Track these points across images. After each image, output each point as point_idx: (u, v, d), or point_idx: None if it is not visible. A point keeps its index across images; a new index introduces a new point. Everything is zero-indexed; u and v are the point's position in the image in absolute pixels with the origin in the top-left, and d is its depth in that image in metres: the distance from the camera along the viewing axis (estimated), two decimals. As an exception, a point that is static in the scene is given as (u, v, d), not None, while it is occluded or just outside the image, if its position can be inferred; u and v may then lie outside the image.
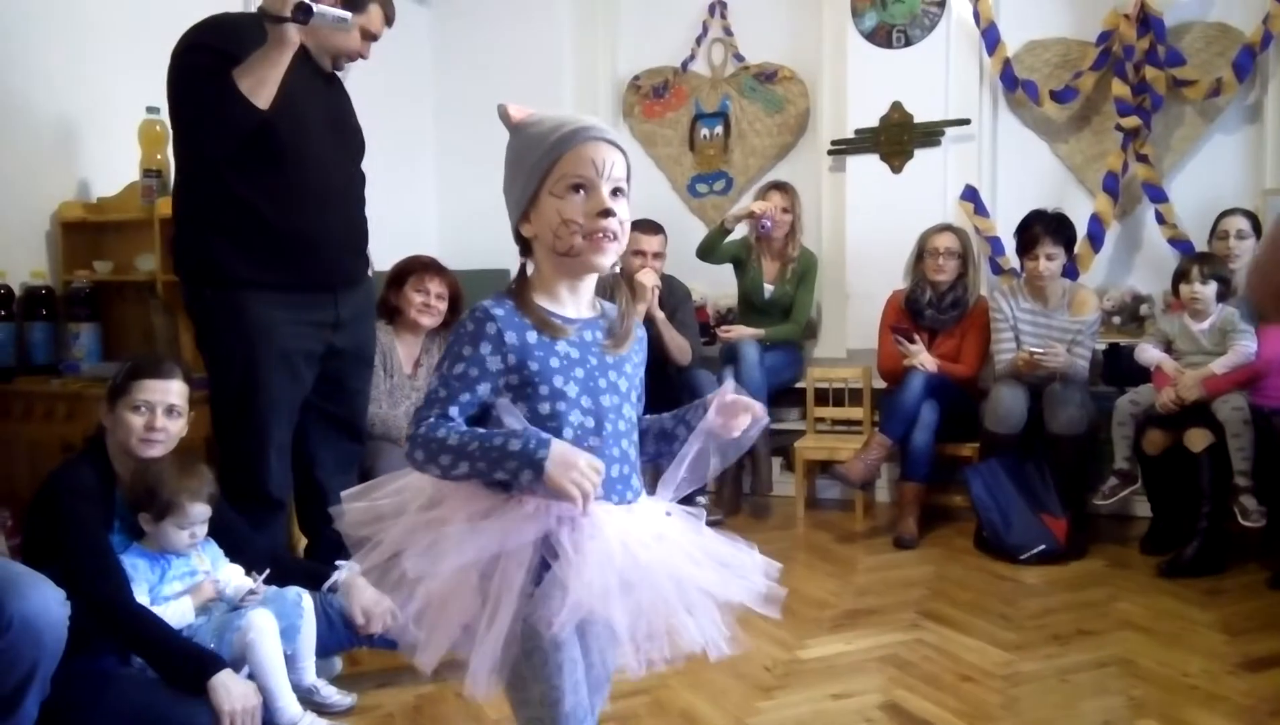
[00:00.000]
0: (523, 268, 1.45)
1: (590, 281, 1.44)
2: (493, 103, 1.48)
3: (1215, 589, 3.18)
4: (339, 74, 2.77)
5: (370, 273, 2.91)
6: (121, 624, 2.10)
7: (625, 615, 1.33)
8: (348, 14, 2.46)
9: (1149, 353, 3.59)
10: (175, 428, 2.26)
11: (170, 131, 3.22)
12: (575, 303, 1.43)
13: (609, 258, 1.38)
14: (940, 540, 3.84)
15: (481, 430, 1.32)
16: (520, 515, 1.32)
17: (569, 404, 1.36)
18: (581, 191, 1.35)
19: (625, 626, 1.33)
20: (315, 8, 2.30)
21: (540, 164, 1.36)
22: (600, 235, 1.35)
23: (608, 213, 1.35)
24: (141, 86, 3.29)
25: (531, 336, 1.36)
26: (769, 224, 4.33)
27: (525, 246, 1.44)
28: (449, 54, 5.14)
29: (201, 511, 2.25)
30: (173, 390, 2.26)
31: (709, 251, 4.45)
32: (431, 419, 1.32)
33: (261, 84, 2.36)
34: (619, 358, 1.43)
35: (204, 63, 2.40)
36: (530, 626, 1.31)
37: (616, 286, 1.49)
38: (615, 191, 1.37)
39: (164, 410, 2.23)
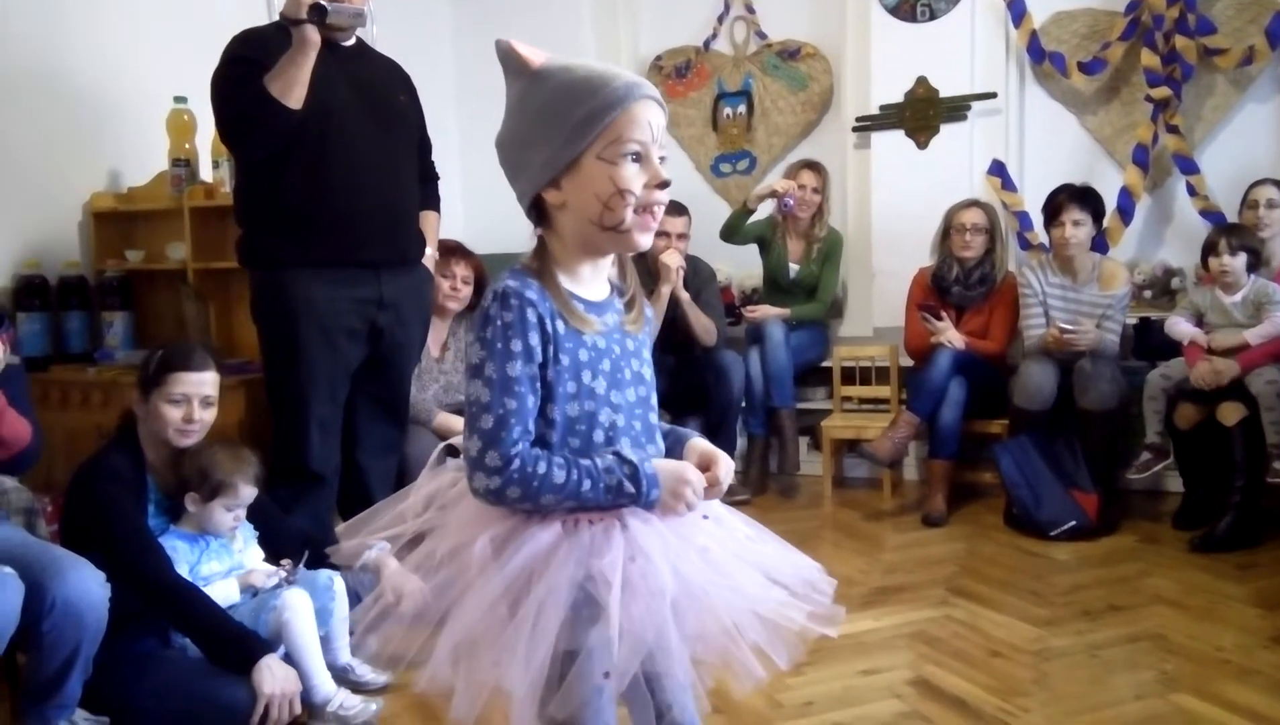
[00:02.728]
0: (542, 242, 1.26)
1: (609, 258, 1.29)
2: None
3: (1249, 563, 3.15)
4: (368, 42, 2.81)
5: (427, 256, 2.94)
6: (171, 602, 2.13)
7: (683, 646, 1.22)
8: (363, 8, 2.60)
9: (1180, 326, 3.55)
10: (209, 417, 2.30)
11: (197, 121, 3.28)
12: (596, 282, 1.28)
13: (649, 237, 1.23)
14: (969, 517, 3.83)
15: (585, 462, 1.19)
16: (550, 539, 1.19)
17: (598, 402, 1.23)
18: (637, 159, 1.19)
19: (685, 663, 1.23)
20: (330, 6, 2.43)
21: (588, 122, 1.17)
22: (652, 210, 1.21)
23: (665, 184, 1.20)
24: (170, 77, 3.34)
25: (560, 325, 1.21)
26: (791, 202, 4.30)
27: (541, 215, 1.25)
28: (470, 37, 5.13)
29: (250, 493, 2.30)
30: (207, 382, 2.30)
31: (732, 232, 4.44)
32: (520, 446, 1.16)
33: (290, 85, 2.49)
34: (638, 343, 1.31)
35: (238, 74, 2.54)
36: (573, 660, 1.18)
37: (620, 260, 1.36)
38: (661, 158, 1.22)
39: (200, 402, 2.27)
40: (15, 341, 2.21)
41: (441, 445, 1.42)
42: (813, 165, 4.42)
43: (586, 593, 1.18)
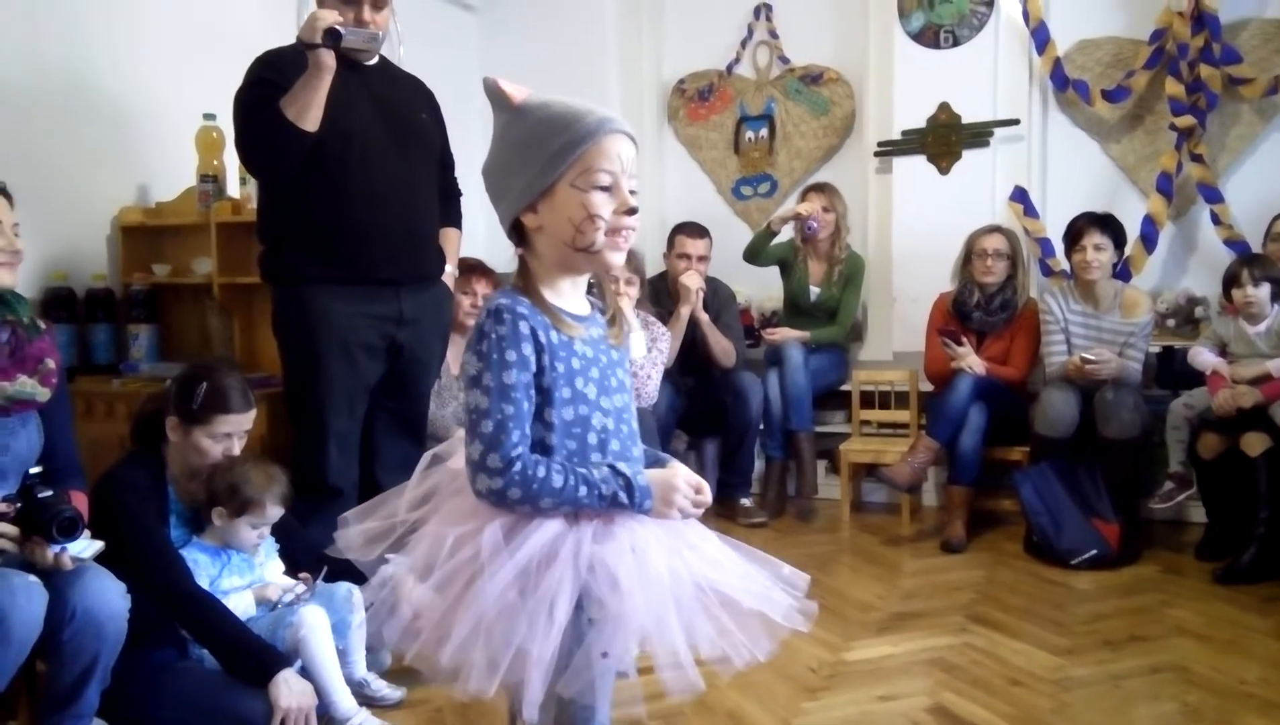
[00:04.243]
0: (524, 261, 1.36)
1: (586, 276, 1.40)
2: None
3: (1273, 596, 3.11)
4: (395, 62, 2.85)
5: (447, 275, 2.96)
6: (190, 613, 2.15)
7: (680, 631, 1.29)
8: (377, 32, 2.63)
9: (1203, 356, 3.52)
10: (242, 444, 2.34)
11: (225, 138, 3.32)
12: (575, 297, 1.38)
13: (622, 256, 1.34)
14: (989, 544, 3.80)
15: (582, 470, 1.28)
16: (557, 528, 1.28)
17: (590, 407, 1.33)
18: (606, 187, 1.30)
19: (684, 646, 1.29)
20: (344, 31, 2.47)
21: (562, 154, 1.28)
22: (622, 233, 1.31)
23: (633, 211, 1.31)
24: (199, 94, 3.38)
25: (554, 336, 1.31)
26: (815, 225, 4.32)
27: (520, 237, 1.36)
28: (495, 60, 5.17)
29: (277, 513, 2.32)
30: (249, 419, 2.32)
31: (755, 254, 4.45)
32: (519, 449, 1.26)
33: (306, 109, 2.52)
34: (621, 353, 1.40)
35: (256, 96, 2.58)
36: (582, 649, 1.26)
37: (597, 277, 1.43)
38: (631, 190, 1.33)
39: (240, 436, 2.31)
40: (55, 343, 2.23)
41: (431, 452, 1.49)
42: (819, 187, 4.44)
43: (591, 580, 1.26)
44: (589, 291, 1.43)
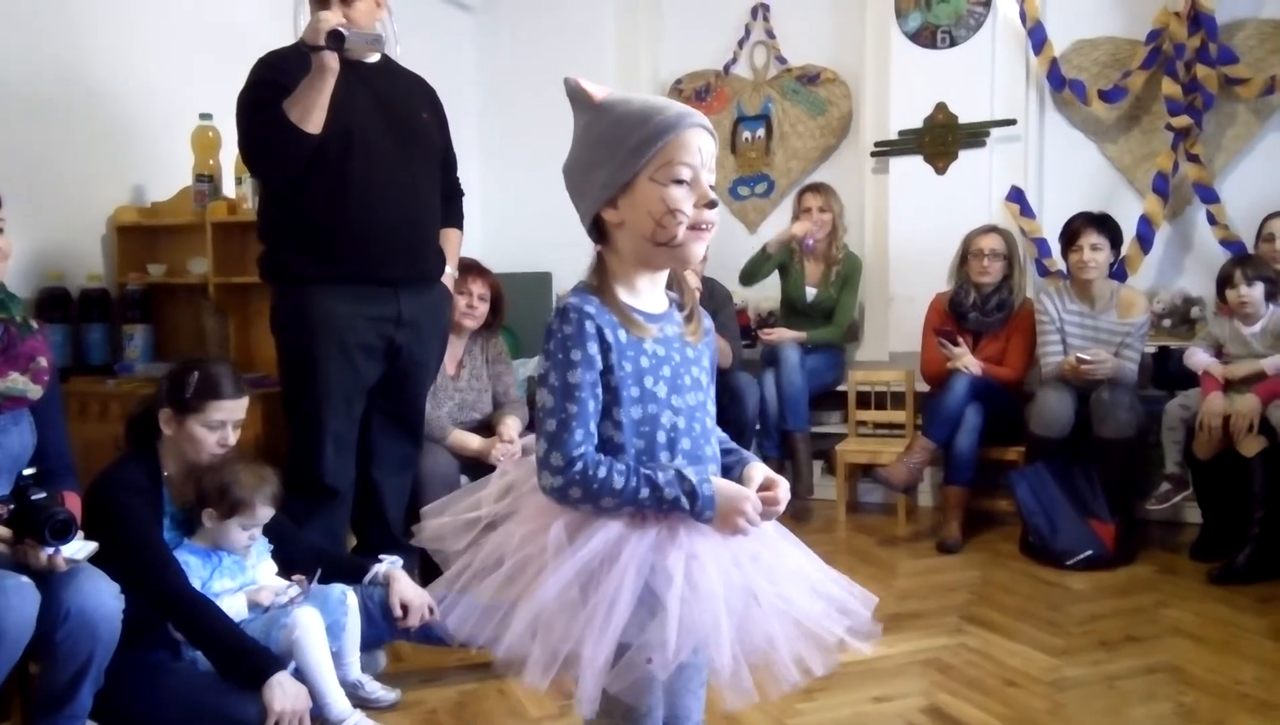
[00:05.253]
0: (600, 258, 1.36)
1: (665, 272, 1.39)
2: (536, 107, 1.44)
3: (1268, 596, 3.11)
4: (391, 56, 2.84)
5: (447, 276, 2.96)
6: (184, 615, 2.15)
7: (729, 646, 1.29)
8: (380, 34, 2.63)
9: (1198, 357, 3.53)
10: (236, 436, 2.33)
11: (221, 138, 3.31)
12: (653, 294, 1.38)
13: (703, 250, 1.34)
14: (984, 545, 3.80)
15: (646, 472, 1.28)
16: (620, 529, 1.29)
17: (659, 406, 1.33)
18: (686, 181, 1.30)
19: (729, 658, 1.29)
20: (347, 32, 2.45)
21: (641, 148, 1.28)
22: (703, 227, 1.31)
23: (713, 204, 1.31)
24: (195, 94, 3.38)
25: (622, 335, 1.31)
26: (811, 243, 4.34)
27: (600, 233, 1.36)
28: (492, 59, 5.19)
29: (267, 514, 2.31)
30: (242, 407, 2.33)
31: (752, 276, 4.43)
32: (582, 449, 1.27)
33: (309, 111, 2.51)
34: (697, 352, 1.39)
35: (260, 97, 2.57)
36: (631, 651, 1.27)
37: (672, 276, 1.42)
38: (710, 184, 1.33)
39: (234, 425, 2.31)
40: (48, 342, 2.22)
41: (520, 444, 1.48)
42: (814, 187, 4.44)
43: (649, 585, 1.26)
44: (668, 287, 1.42)
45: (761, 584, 1.34)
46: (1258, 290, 3.41)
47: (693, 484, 1.28)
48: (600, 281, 1.34)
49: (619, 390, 1.30)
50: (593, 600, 1.25)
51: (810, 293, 4.46)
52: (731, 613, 1.29)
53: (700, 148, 1.30)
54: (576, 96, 1.34)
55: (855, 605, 1.41)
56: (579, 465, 1.26)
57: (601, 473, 1.26)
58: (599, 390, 1.29)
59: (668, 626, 1.23)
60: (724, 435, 1.47)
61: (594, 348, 1.28)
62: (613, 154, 1.30)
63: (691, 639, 1.25)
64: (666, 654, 1.24)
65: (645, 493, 1.27)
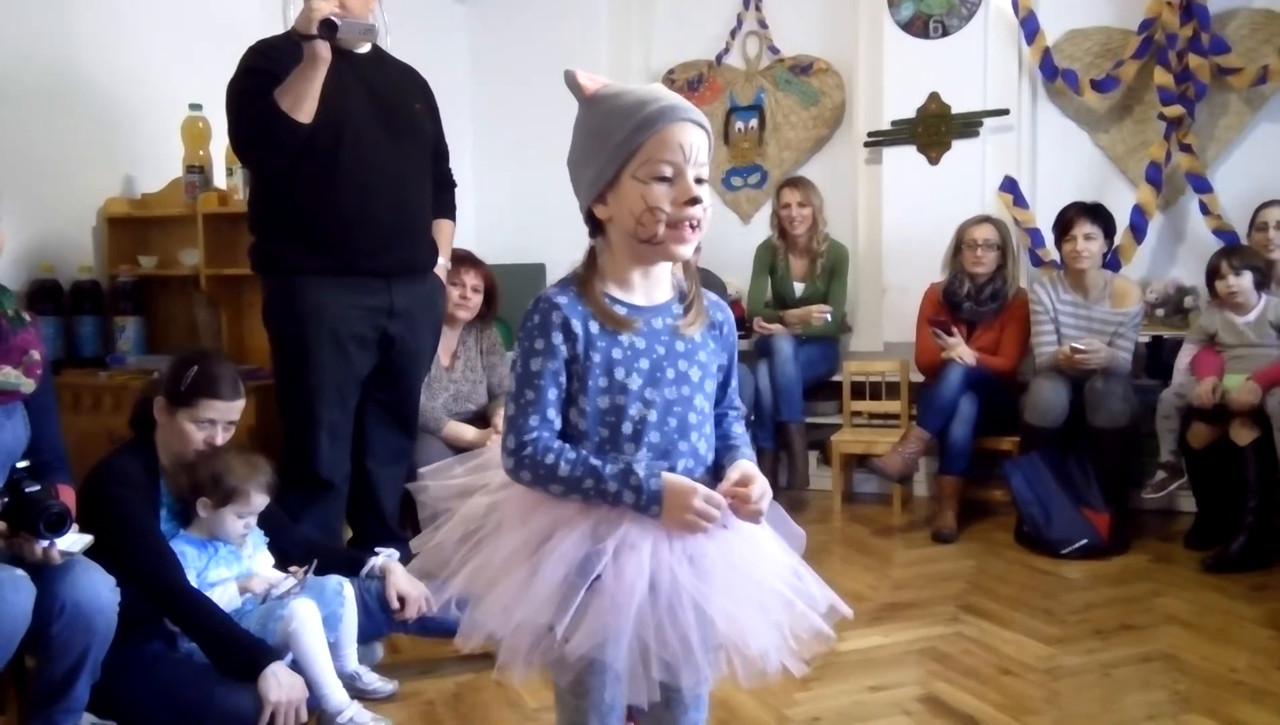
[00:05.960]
0: (591, 252, 1.37)
1: (664, 265, 1.38)
2: (528, 99, 1.44)
3: (1262, 584, 3.12)
4: (381, 46, 2.82)
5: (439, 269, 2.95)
6: (180, 608, 2.14)
7: (628, 641, 1.27)
8: (373, 23, 2.61)
9: (1187, 360, 3.56)
10: (228, 437, 2.32)
11: (211, 129, 3.29)
12: (648, 288, 1.37)
13: (691, 247, 1.32)
14: (979, 535, 3.81)
15: (594, 462, 1.29)
16: (570, 512, 1.31)
17: (629, 397, 1.32)
18: (668, 178, 1.28)
19: (626, 657, 1.27)
20: (339, 21, 2.43)
21: (624, 145, 1.28)
22: (685, 225, 1.29)
23: (695, 201, 1.28)
24: (185, 84, 3.36)
25: (594, 327, 1.31)
26: (828, 318, 4.27)
27: (595, 226, 1.36)
28: (484, 50, 5.16)
29: (262, 502, 2.30)
30: (235, 409, 2.31)
31: (755, 314, 4.42)
32: (534, 434, 1.30)
33: (300, 100, 2.50)
34: (691, 345, 1.37)
35: (250, 86, 2.55)
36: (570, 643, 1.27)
37: (685, 266, 1.39)
38: (699, 179, 1.30)
39: (224, 426, 2.29)
40: (40, 334, 2.20)
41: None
42: (793, 182, 4.42)
43: (579, 567, 1.27)
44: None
45: (691, 590, 1.29)
46: (1246, 279, 3.42)
47: (640, 479, 1.28)
48: (586, 274, 1.36)
49: (585, 379, 1.32)
50: (520, 571, 1.28)
51: (799, 288, 4.44)
52: (655, 608, 1.27)
53: (685, 144, 1.28)
54: (571, 88, 1.35)
55: (814, 620, 1.38)
56: (529, 449, 1.30)
57: (549, 459, 1.29)
58: (561, 379, 1.31)
59: (572, 607, 1.25)
60: (737, 429, 1.46)
61: (558, 338, 1.30)
62: (600, 150, 1.30)
63: (602, 624, 1.25)
64: (573, 632, 1.25)
65: (589, 483, 1.29)
